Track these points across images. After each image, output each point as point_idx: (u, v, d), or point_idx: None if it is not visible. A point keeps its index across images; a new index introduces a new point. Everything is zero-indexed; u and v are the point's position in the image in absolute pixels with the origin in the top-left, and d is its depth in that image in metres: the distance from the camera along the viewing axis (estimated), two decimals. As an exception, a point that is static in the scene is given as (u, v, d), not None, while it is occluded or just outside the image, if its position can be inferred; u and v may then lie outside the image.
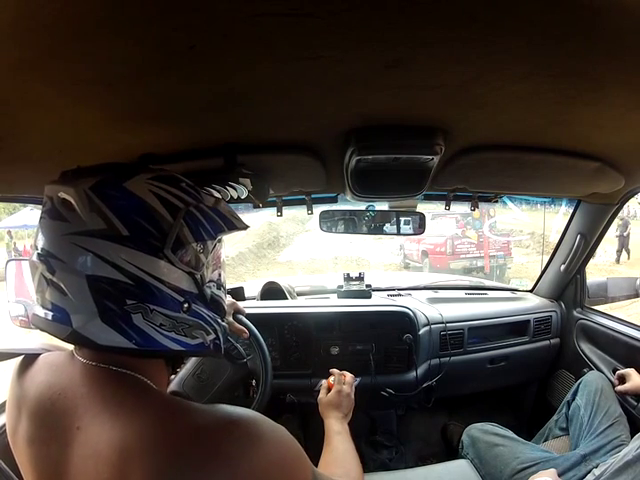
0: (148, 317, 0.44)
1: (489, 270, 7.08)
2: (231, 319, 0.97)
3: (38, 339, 0.59)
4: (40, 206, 0.47)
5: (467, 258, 7.11)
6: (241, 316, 1.01)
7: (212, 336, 0.51)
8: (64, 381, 0.46)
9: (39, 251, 0.45)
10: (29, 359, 0.51)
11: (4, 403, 0.51)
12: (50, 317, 0.44)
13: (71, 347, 0.49)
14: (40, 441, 0.44)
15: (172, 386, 0.96)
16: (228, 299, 1.01)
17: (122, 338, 0.43)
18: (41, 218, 0.46)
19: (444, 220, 7.41)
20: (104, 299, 0.42)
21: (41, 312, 0.45)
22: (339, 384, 0.92)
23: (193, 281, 0.47)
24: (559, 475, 1.00)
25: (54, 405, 0.44)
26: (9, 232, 8.78)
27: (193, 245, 0.47)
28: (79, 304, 0.42)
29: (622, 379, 1.27)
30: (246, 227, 0.55)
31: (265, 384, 0.98)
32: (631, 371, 1.25)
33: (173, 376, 0.98)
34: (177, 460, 0.37)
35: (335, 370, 0.98)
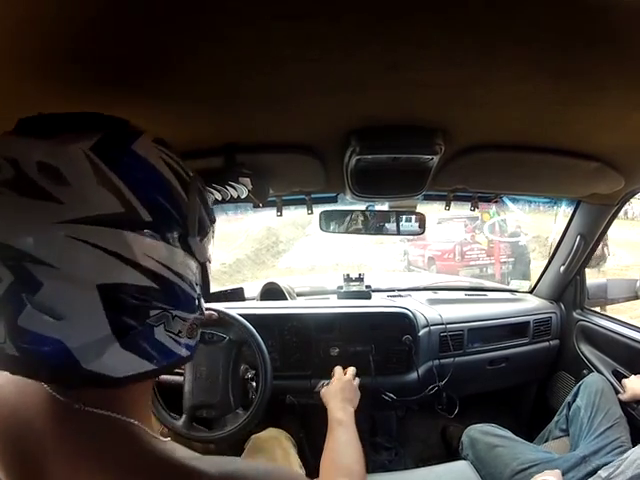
0: (169, 326, 0.35)
1: (500, 277, 6.28)
2: None
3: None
4: None
5: (477, 265, 6.44)
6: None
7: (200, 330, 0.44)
8: (32, 415, 0.35)
9: None
10: None
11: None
12: (33, 356, 0.30)
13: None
14: (6, 465, 0.36)
15: (186, 402, 0.98)
16: None
17: (143, 361, 0.33)
18: None
19: (451, 224, 6.63)
20: (123, 316, 0.31)
21: (11, 349, 0.29)
22: (339, 376, 0.95)
23: (203, 272, 0.39)
24: (559, 476, 1.00)
25: (21, 439, 0.35)
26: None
27: (211, 228, 0.40)
28: (86, 329, 0.30)
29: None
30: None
31: (265, 384, 0.98)
32: (627, 382, 1.24)
33: (186, 386, 0.99)
34: None
35: (338, 368, 1.01)
